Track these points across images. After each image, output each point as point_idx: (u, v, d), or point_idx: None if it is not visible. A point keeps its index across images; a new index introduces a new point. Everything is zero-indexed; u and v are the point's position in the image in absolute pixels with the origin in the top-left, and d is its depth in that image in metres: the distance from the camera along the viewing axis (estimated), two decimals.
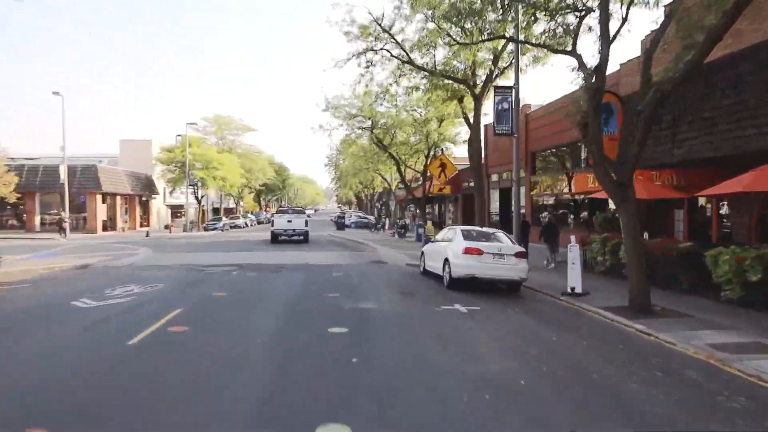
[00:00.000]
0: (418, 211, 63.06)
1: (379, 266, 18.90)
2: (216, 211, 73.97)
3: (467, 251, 12.93)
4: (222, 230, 53.78)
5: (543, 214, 28.51)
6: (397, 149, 35.19)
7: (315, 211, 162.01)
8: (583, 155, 19.48)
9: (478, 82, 21.66)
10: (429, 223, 34.59)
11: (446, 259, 13.67)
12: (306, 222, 31.66)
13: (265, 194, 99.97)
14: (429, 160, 35.17)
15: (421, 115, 33.36)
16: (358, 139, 34.92)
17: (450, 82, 22.73)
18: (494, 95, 18.13)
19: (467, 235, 13.81)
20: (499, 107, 18.15)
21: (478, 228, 14.96)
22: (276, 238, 30.98)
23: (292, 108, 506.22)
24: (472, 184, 44.62)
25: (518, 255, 13.02)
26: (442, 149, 31.27)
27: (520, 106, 33.05)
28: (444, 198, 51.84)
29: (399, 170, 35.28)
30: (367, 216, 64.74)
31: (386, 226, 49.10)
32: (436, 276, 14.89)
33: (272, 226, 31.72)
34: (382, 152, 35.32)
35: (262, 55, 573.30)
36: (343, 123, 33.67)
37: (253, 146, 69.78)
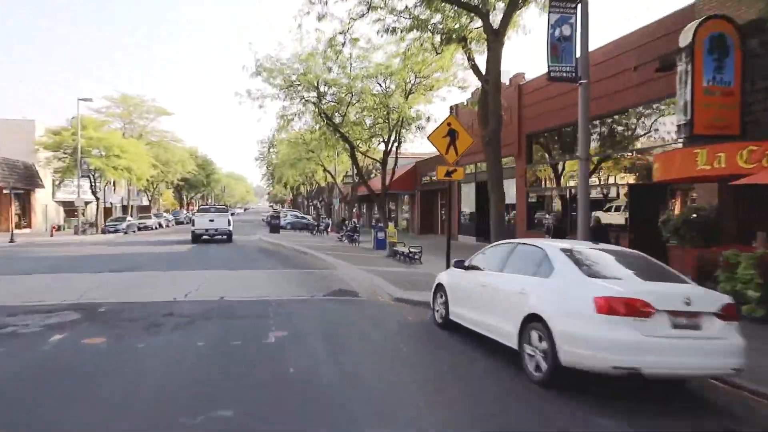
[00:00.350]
0: (363, 210, 55.18)
1: (349, 305, 10.89)
2: (126, 209, 62.87)
3: (613, 307, 5.21)
4: (125, 232, 43.66)
5: (554, 212, 21.35)
6: (349, 130, 27.24)
7: (245, 210, 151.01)
8: (671, 122, 12.38)
9: (492, 18, 14.09)
10: (391, 225, 26.89)
11: (532, 318, 5.91)
12: (229, 221, 29.98)
13: (187, 191, 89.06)
14: (390, 146, 27.50)
15: (381, 87, 25.60)
16: (298, 118, 26.53)
17: (445, 18, 15.10)
18: (549, 12, 10.61)
19: (590, 265, 6.09)
20: (556, 34, 10.65)
21: (589, 246, 7.09)
22: (197, 239, 29.21)
23: (220, 98, 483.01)
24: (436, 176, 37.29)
25: (725, 314, 5.45)
26: (441, 116, 23.52)
27: (512, 75, 26.18)
28: (396, 195, 44.25)
29: (353, 156, 27.32)
30: (306, 216, 56.17)
31: (329, 228, 40.94)
32: (480, 338, 7.17)
33: (193, 225, 30.15)
34: (331, 134, 27.24)
35: (186, 29, 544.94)
36: (280, 93, 25.33)
37: (169, 133, 59.47)
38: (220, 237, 29.65)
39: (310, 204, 74.95)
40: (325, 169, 42.87)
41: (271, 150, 51.85)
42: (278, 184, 75.24)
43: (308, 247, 24.80)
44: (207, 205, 69.44)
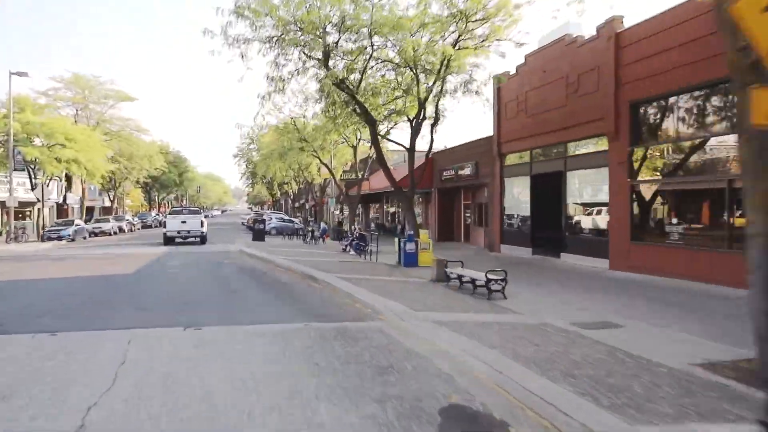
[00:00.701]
0: (360, 212, 47.49)
1: None
2: (89, 210, 54.15)
3: None
4: (72, 239, 35.41)
5: None
6: (366, 101, 19.63)
7: (222, 212, 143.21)
8: None
9: None
10: (424, 233, 19.43)
11: None
12: (202, 222, 29.68)
13: (157, 190, 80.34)
14: (420, 123, 19.94)
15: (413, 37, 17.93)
16: (299, 74, 18.53)
17: None
18: None
19: None
20: None
21: None
22: (170, 241, 29.32)
23: (199, 94, 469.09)
24: (466, 170, 29.49)
25: None
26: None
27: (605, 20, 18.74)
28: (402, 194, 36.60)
29: (374, 138, 19.64)
30: (292, 219, 48.26)
31: (325, 234, 33.18)
32: None
33: (164, 227, 30.42)
34: (342, 106, 19.55)
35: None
36: (268, 43, 17.48)
37: (132, 121, 50.99)
38: (192, 239, 29.53)
39: (295, 204, 66.93)
40: (321, 162, 34.98)
41: (255, 139, 43.79)
42: (260, 183, 67.10)
43: (312, 266, 17.07)
44: (180, 206, 61.10)
